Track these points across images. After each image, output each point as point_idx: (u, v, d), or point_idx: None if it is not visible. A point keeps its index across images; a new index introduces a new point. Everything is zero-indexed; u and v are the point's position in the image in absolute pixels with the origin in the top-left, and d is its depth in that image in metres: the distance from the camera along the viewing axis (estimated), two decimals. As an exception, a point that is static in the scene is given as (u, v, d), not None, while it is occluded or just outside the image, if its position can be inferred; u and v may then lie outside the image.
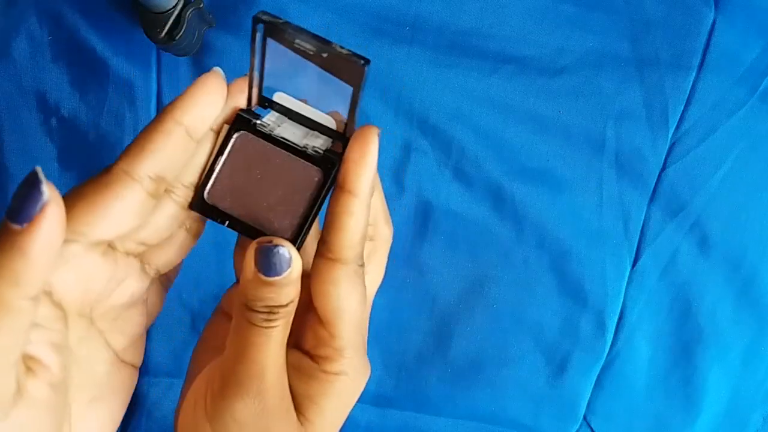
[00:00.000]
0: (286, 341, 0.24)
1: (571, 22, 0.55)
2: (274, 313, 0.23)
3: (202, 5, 0.48)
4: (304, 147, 0.24)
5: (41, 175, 0.18)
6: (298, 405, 0.25)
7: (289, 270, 0.22)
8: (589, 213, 0.56)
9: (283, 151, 0.24)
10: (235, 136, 0.24)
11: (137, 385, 0.56)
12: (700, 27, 0.55)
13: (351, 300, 0.24)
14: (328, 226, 0.23)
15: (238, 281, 0.28)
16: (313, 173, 0.24)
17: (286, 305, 0.23)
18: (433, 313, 0.56)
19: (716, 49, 0.55)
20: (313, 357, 0.25)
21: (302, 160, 0.24)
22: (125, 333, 0.25)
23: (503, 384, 0.56)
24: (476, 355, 0.56)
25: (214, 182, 0.24)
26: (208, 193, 0.24)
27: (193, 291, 0.54)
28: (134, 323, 0.26)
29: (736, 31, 0.55)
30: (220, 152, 0.24)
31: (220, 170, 0.24)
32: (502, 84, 0.54)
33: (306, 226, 0.24)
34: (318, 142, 0.25)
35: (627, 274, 0.56)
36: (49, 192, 0.18)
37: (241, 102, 0.24)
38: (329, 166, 0.24)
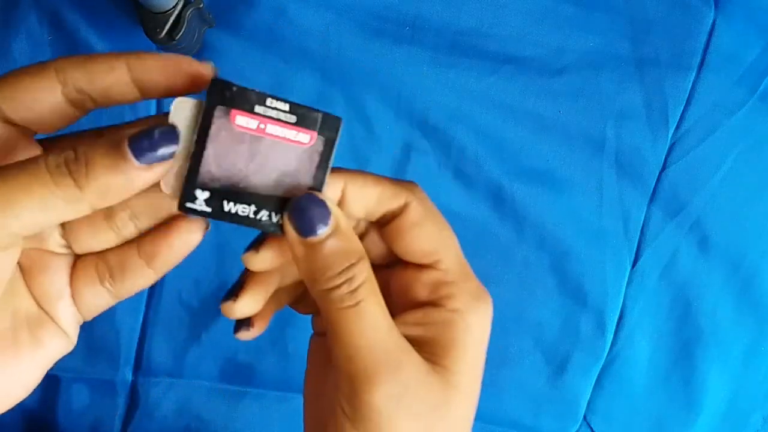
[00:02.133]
0: (382, 299, 0.22)
1: (571, 22, 0.55)
2: (351, 278, 0.21)
3: (202, 5, 0.48)
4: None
5: (179, 131, 0.20)
6: (436, 360, 0.23)
7: (332, 218, 0.21)
8: (589, 213, 0.56)
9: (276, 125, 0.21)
10: (215, 115, 0.21)
11: (137, 385, 0.56)
12: (700, 27, 0.55)
13: (440, 245, 0.23)
14: None
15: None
16: (316, 142, 0.22)
17: (358, 261, 0.22)
18: (433, 313, 0.56)
19: (716, 49, 0.55)
20: (434, 303, 0.24)
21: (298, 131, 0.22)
22: None
23: (503, 384, 0.56)
24: (476, 355, 0.56)
25: (203, 174, 0.21)
26: (201, 187, 0.21)
27: (193, 291, 0.54)
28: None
29: (736, 31, 0.55)
30: (200, 139, 0.21)
31: (205, 159, 0.21)
32: (502, 84, 0.54)
33: (325, 179, 0.22)
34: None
35: (627, 274, 0.56)
36: (178, 148, 0.20)
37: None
38: (333, 130, 0.22)
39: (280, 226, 0.22)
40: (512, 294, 0.56)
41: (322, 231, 0.21)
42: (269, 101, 0.21)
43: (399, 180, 0.25)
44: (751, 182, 0.57)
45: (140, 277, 0.23)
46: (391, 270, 0.25)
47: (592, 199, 0.56)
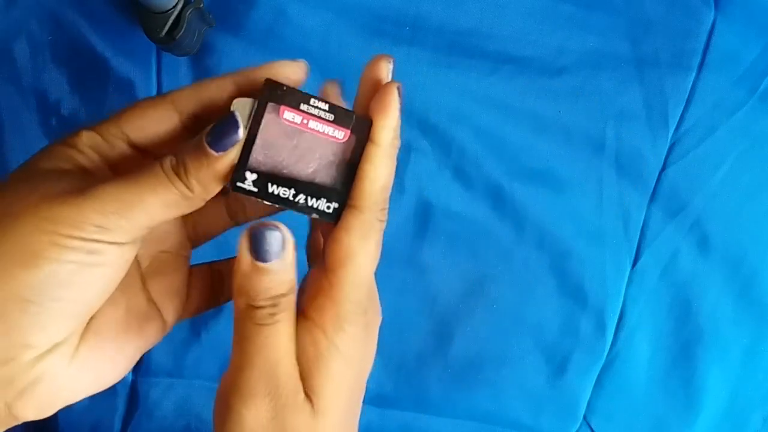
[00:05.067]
0: (294, 332, 0.24)
1: (571, 22, 0.55)
2: (276, 305, 0.23)
3: (202, 5, 0.48)
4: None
5: (239, 118, 0.23)
6: (305, 376, 0.24)
7: (285, 251, 0.23)
8: (589, 213, 0.56)
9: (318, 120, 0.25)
10: (267, 110, 0.24)
11: (137, 385, 0.56)
12: (700, 27, 0.55)
13: (360, 250, 0.24)
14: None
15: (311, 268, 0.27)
16: (349, 139, 0.25)
17: (288, 293, 0.23)
18: (433, 313, 0.56)
19: (716, 49, 0.55)
20: (315, 321, 0.24)
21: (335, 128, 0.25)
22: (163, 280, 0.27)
23: (503, 384, 0.56)
24: (476, 355, 0.56)
25: (252, 159, 0.24)
26: (251, 169, 0.24)
27: (193, 291, 0.54)
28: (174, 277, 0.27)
29: (736, 31, 0.55)
30: (252, 129, 0.24)
31: (255, 146, 0.24)
32: (502, 84, 0.54)
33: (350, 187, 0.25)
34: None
35: (627, 274, 0.56)
36: (242, 133, 0.23)
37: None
38: (364, 130, 0.26)
39: (316, 210, 0.25)
40: (512, 294, 0.56)
41: (276, 262, 0.23)
42: (312, 101, 0.25)
43: None
44: (751, 182, 0.57)
45: None
46: None
47: (592, 199, 0.56)
